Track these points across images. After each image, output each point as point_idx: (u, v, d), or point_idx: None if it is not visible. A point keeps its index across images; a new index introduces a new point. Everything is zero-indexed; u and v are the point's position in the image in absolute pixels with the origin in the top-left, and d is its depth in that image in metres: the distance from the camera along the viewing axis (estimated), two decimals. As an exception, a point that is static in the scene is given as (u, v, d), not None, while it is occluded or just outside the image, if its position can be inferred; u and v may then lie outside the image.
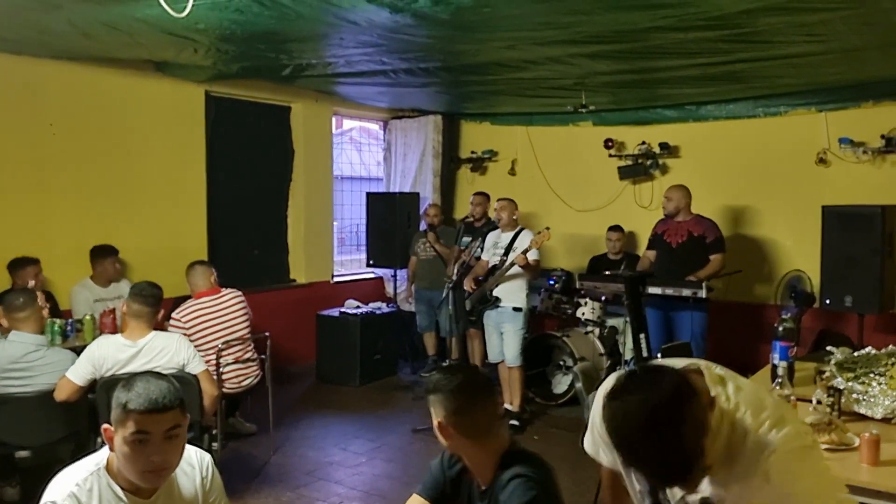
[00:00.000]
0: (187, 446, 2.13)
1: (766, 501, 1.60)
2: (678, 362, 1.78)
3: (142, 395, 1.93)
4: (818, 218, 5.85)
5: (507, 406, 6.04)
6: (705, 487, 1.67)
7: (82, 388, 3.95)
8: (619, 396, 1.55)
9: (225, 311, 5.12)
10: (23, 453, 4.20)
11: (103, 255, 5.71)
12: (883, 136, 6.20)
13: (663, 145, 7.37)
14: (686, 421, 1.49)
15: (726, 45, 4.68)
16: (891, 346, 3.45)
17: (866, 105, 6.32)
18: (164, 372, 3.72)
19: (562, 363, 6.75)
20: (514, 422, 5.99)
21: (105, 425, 1.98)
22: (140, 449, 1.91)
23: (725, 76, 5.74)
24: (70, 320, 5.23)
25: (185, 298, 5.24)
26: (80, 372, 3.93)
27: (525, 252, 5.78)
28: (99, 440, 4.07)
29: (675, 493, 1.76)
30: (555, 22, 4.18)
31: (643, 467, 1.52)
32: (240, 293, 5.32)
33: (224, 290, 5.23)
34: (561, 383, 6.72)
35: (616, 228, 7.15)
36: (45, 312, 4.30)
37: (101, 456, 2.03)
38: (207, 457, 2.24)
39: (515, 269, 5.88)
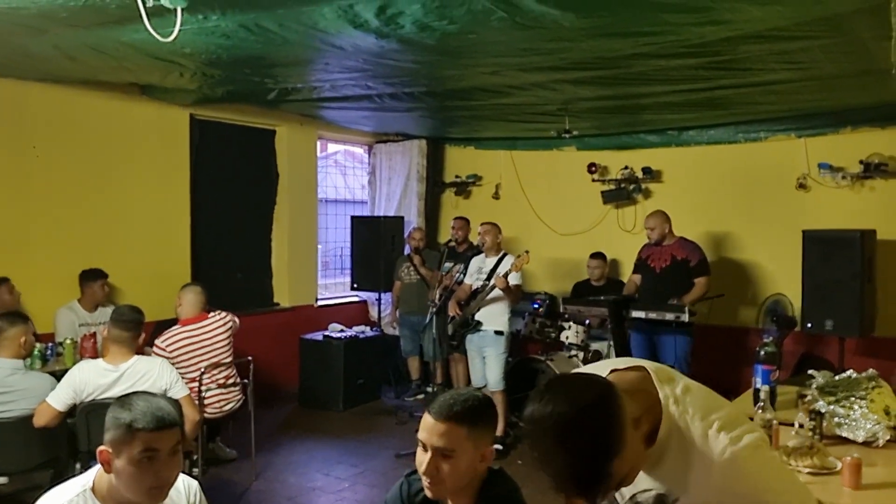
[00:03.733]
0: None
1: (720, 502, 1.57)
2: (620, 362, 1.73)
3: (147, 413, 1.94)
4: (799, 242, 5.91)
5: (491, 430, 6.01)
6: (657, 485, 1.65)
7: (62, 414, 3.90)
8: (536, 400, 1.49)
9: (209, 337, 5.08)
10: (0, 480, 4.13)
11: (92, 279, 5.67)
12: (861, 162, 6.29)
13: (646, 170, 7.44)
14: (595, 438, 1.43)
15: (707, 72, 4.75)
16: (871, 370, 3.48)
17: (845, 131, 6.42)
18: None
19: (546, 387, 6.72)
20: (498, 446, 5.96)
21: (101, 447, 1.96)
22: (149, 466, 1.92)
23: (706, 102, 5.82)
24: (50, 344, 5.17)
25: (167, 322, 5.19)
26: (60, 397, 3.88)
27: (505, 275, 5.80)
28: (78, 466, 4.03)
29: (624, 492, 1.74)
30: (539, 48, 4.23)
31: (548, 474, 1.47)
32: (225, 315, 5.27)
33: (210, 316, 5.19)
34: (545, 407, 6.69)
35: (597, 256, 7.16)
36: (24, 340, 4.20)
37: (87, 478, 2.01)
38: (195, 483, 2.24)
39: (497, 293, 5.89)
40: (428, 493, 2.02)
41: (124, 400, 2.02)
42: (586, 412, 1.44)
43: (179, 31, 3.35)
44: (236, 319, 5.39)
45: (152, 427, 1.92)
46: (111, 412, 1.99)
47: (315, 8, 3.56)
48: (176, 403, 4.02)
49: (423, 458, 1.98)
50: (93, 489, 1.98)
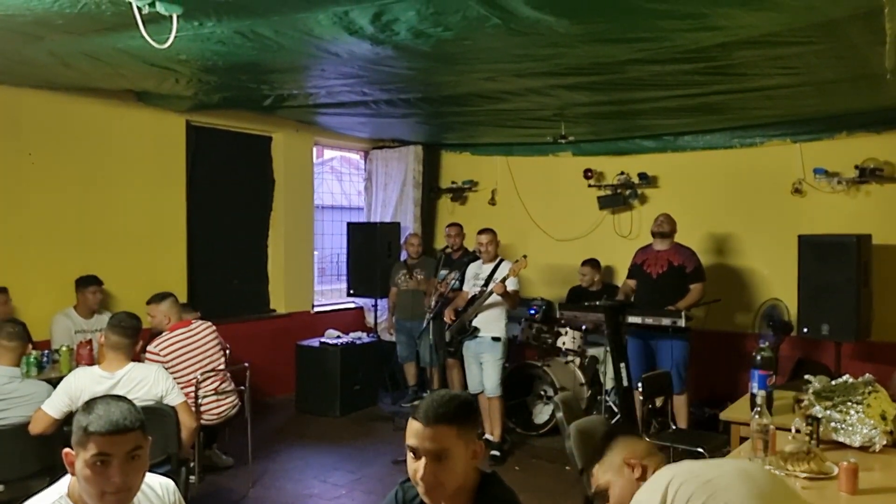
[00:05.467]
0: (150, 475, 2.11)
1: None
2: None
3: (102, 417, 1.92)
4: (794, 247, 5.92)
5: (487, 436, 6.01)
6: None
7: (58, 421, 3.88)
8: None
9: (201, 342, 5.07)
10: (-4, 488, 4.12)
11: (84, 285, 5.66)
12: (857, 167, 6.30)
13: (642, 175, 7.45)
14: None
15: (702, 77, 4.76)
16: (868, 375, 3.48)
17: (840, 136, 6.44)
18: (142, 404, 3.69)
19: (542, 393, 6.73)
20: (495, 452, 5.95)
21: (66, 449, 1.97)
22: (101, 471, 1.89)
23: (702, 107, 5.83)
24: (46, 351, 5.16)
25: (154, 331, 5.19)
26: (56, 404, 3.86)
27: (503, 280, 5.80)
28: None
29: None
30: (534, 54, 4.24)
31: None
32: (210, 324, 5.28)
33: (195, 322, 5.19)
34: (542, 413, 6.70)
35: (587, 263, 7.15)
36: (29, 347, 4.23)
37: (63, 484, 2.01)
38: (171, 484, 2.23)
39: (494, 299, 5.89)
40: (425, 498, 2.00)
41: (90, 402, 2.00)
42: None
43: (175, 37, 3.36)
44: (223, 342, 5.37)
45: (104, 431, 1.89)
46: (77, 414, 1.99)
47: (310, 15, 3.57)
48: (172, 410, 4.05)
49: (416, 466, 1.97)
50: (69, 494, 1.98)
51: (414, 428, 1.98)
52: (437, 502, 2.01)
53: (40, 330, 5.44)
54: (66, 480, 2.02)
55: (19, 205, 5.67)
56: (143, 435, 1.98)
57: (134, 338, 4.10)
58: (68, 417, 3.91)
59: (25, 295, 5.54)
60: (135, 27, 3.26)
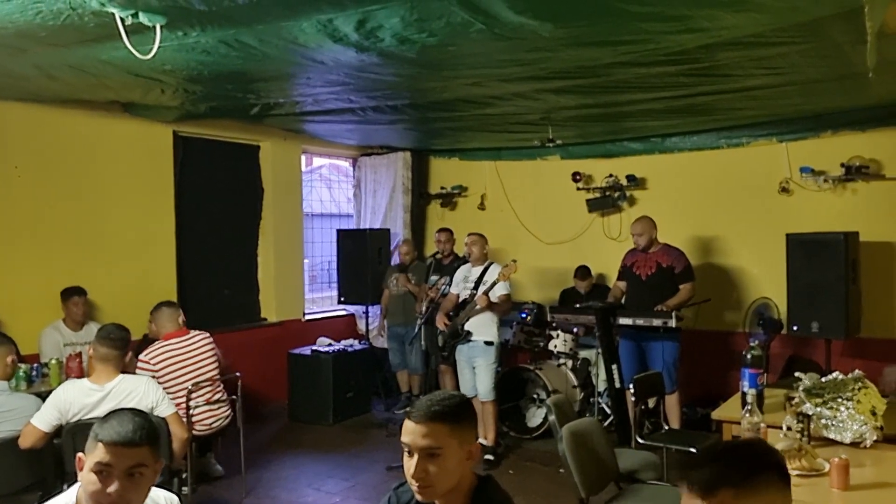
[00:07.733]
0: (155, 489, 2.11)
1: None
2: None
3: (112, 427, 1.94)
4: (783, 246, 5.95)
5: (481, 440, 6.00)
6: None
7: (48, 435, 3.86)
8: None
9: (194, 352, 5.06)
10: (-14, 503, 4.10)
11: (67, 296, 5.62)
12: (842, 165, 6.33)
13: (630, 177, 7.47)
14: None
15: (687, 78, 4.78)
16: (857, 371, 3.50)
17: (825, 135, 6.47)
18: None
19: (535, 396, 6.74)
20: (489, 456, 5.95)
21: (80, 454, 1.98)
22: (101, 480, 1.90)
23: (688, 109, 5.85)
24: (35, 365, 5.12)
25: (152, 339, 5.17)
26: (45, 418, 3.84)
27: (493, 284, 5.81)
28: (65, 487, 3.99)
29: None
30: (519, 59, 4.25)
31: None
32: (208, 334, 5.26)
33: (192, 332, 5.17)
34: (535, 416, 6.71)
35: (583, 276, 7.20)
36: (10, 360, 4.20)
37: (70, 496, 2.01)
38: (175, 499, 2.24)
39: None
40: (418, 496, 2.01)
41: (111, 413, 2.04)
42: None
43: (159, 48, 3.35)
44: (219, 353, 5.36)
45: (108, 441, 1.91)
46: (96, 423, 2.01)
47: (294, 23, 3.56)
48: (163, 421, 4.04)
49: (410, 464, 1.98)
50: (76, 502, 1.98)
51: (407, 426, 2.00)
52: (430, 499, 2.02)
53: (29, 343, 5.41)
54: (74, 490, 2.03)
55: (5, 218, 5.64)
56: (150, 453, 1.98)
57: (123, 349, 4.09)
58: (58, 431, 3.90)
59: (13, 308, 5.51)
60: (118, 38, 3.25)
